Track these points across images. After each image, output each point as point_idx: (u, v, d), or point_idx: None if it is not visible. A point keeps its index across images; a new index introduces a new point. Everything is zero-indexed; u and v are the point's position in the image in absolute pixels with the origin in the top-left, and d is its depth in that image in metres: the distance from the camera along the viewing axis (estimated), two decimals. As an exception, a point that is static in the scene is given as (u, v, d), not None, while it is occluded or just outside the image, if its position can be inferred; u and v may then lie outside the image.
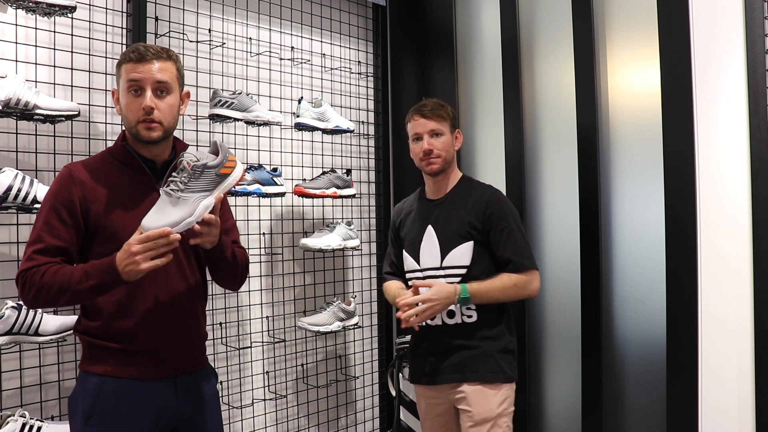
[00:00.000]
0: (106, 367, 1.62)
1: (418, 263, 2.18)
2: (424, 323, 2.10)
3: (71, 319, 2.06)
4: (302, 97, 2.83)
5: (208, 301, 2.59)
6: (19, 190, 1.94)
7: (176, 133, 2.61)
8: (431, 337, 2.15)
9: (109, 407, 1.59)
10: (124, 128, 1.70)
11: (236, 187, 2.48)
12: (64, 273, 1.54)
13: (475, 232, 2.11)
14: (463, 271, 2.11)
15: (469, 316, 2.10)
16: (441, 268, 2.13)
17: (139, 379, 1.62)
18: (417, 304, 2.01)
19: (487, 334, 2.10)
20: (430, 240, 2.16)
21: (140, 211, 1.60)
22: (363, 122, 3.27)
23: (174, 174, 1.56)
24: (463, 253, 2.11)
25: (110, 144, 2.05)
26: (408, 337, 2.90)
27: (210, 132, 2.65)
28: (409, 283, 2.17)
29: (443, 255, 2.13)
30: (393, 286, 2.27)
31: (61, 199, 1.60)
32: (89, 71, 2.29)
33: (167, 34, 2.50)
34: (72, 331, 2.04)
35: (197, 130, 2.60)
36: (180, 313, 1.69)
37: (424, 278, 2.13)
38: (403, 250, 2.25)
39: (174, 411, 1.66)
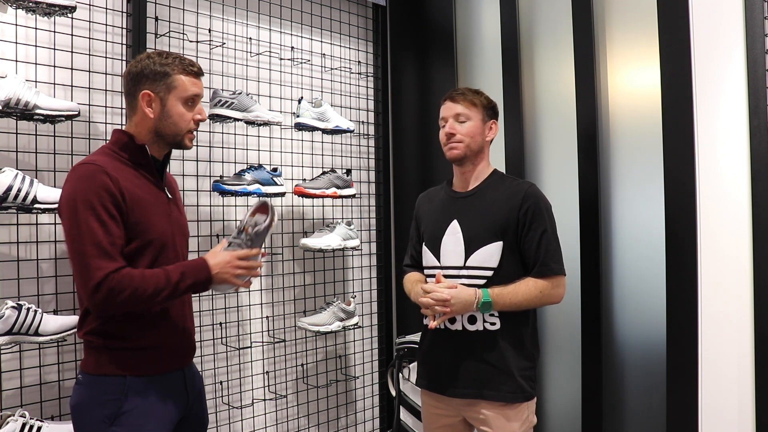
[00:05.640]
0: (126, 366, 1.63)
1: (439, 260, 2.01)
2: (442, 326, 1.96)
3: (71, 320, 2.06)
4: (302, 97, 2.83)
5: (208, 301, 2.63)
6: (19, 190, 1.94)
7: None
8: (448, 342, 1.97)
9: (138, 405, 1.61)
10: (130, 129, 1.70)
11: (236, 187, 2.51)
12: (152, 274, 1.58)
13: (507, 231, 1.93)
14: (489, 273, 1.93)
15: (492, 323, 1.92)
16: (464, 267, 1.95)
17: (159, 374, 1.67)
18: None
19: (510, 345, 1.92)
20: (454, 236, 1.98)
21: (159, 209, 1.69)
22: (363, 122, 3.27)
23: (237, 235, 1.76)
24: (490, 254, 1.93)
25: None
26: (408, 337, 2.90)
27: (210, 132, 2.65)
28: (428, 281, 2.02)
29: (468, 254, 1.95)
30: (412, 278, 2.12)
31: (104, 196, 1.55)
32: (89, 71, 2.29)
33: (167, 34, 2.50)
34: (73, 331, 2.04)
35: (197, 130, 2.59)
36: (180, 306, 1.76)
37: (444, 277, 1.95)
38: (423, 244, 2.08)
39: (185, 401, 1.74)
